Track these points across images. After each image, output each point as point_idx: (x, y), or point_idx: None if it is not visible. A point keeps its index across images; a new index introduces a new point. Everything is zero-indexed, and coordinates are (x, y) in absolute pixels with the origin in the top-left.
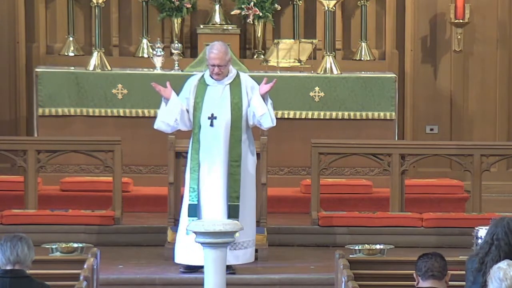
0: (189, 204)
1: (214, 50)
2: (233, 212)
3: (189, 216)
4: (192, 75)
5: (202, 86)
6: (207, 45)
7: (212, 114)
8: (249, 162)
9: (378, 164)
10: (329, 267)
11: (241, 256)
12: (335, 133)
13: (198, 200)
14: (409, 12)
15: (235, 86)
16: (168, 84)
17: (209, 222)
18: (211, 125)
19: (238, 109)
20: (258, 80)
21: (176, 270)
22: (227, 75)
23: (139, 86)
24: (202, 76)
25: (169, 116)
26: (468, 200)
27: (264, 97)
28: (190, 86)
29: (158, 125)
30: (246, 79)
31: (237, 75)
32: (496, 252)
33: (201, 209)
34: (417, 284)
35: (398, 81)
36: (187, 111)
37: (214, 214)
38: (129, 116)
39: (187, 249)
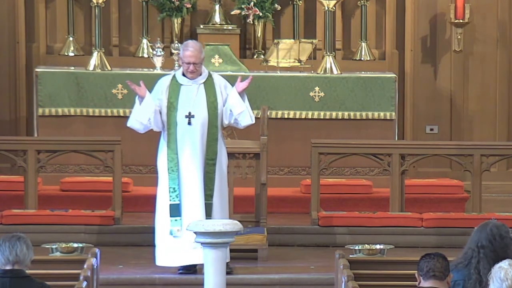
0: (171, 204)
1: (189, 48)
2: (207, 210)
3: (171, 216)
4: (163, 75)
5: (175, 86)
6: (207, 45)
7: (190, 113)
8: (223, 161)
9: (378, 164)
10: (329, 267)
11: None
12: (335, 133)
13: (180, 200)
14: (409, 12)
15: (209, 85)
16: (142, 83)
17: (209, 222)
18: (189, 123)
19: (215, 108)
20: (260, 81)
21: (177, 270)
22: (200, 74)
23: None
24: (174, 76)
25: (143, 115)
26: (468, 200)
27: (241, 95)
28: (162, 86)
29: (132, 123)
30: (218, 78)
31: (210, 75)
32: (486, 260)
33: (181, 209)
34: (419, 284)
35: (398, 81)
36: (160, 112)
37: (194, 214)
38: (129, 116)
39: (172, 250)
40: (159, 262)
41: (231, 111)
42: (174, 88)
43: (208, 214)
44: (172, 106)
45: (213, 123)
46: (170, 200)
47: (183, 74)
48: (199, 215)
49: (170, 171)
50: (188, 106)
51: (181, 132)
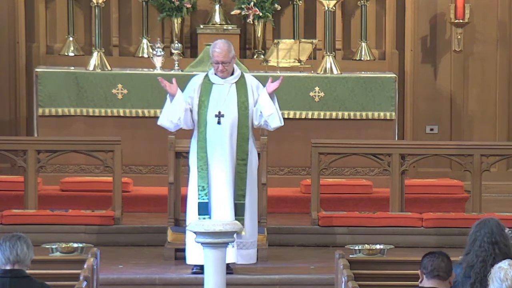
0: (199, 202)
1: (217, 48)
2: (239, 210)
3: (199, 214)
4: (194, 74)
5: (207, 85)
6: (208, 45)
7: (219, 112)
8: (253, 161)
9: (378, 164)
10: (329, 267)
11: (246, 256)
12: (335, 133)
13: (209, 198)
14: (409, 12)
15: (241, 85)
16: (174, 80)
17: (209, 222)
18: (219, 122)
19: (245, 108)
20: (260, 80)
21: (177, 270)
22: (232, 74)
23: (139, 86)
24: (207, 75)
25: (174, 113)
26: (468, 200)
27: (271, 96)
28: (195, 85)
29: (162, 121)
30: (251, 78)
31: (242, 75)
32: (500, 256)
33: (211, 208)
34: (421, 281)
35: (398, 81)
36: (191, 110)
37: (223, 213)
38: (129, 116)
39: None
40: (189, 260)
41: (261, 112)
42: (206, 87)
43: (239, 214)
44: (203, 105)
45: (244, 123)
46: (198, 199)
47: (216, 73)
48: (228, 214)
49: (200, 169)
50: (218, 105)
51: (210, 131)
